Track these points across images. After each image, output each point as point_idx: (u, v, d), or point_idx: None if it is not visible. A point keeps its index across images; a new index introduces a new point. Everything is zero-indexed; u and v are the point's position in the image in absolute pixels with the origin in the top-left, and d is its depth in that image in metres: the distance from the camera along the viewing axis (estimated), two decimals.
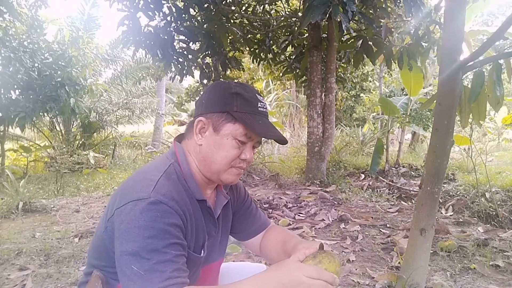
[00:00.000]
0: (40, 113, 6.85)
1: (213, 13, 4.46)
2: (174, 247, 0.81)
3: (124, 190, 0.87)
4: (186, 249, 0.86)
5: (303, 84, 6.34)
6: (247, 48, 5.88)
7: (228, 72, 6.02)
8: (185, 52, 4.88)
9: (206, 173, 0.96)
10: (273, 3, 5.88)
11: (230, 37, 4.93)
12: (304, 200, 4.33)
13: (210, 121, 0.94)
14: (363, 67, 9.05)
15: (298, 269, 0.78)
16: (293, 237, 1.09)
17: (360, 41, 4.66)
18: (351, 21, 3.68)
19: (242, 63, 7.20)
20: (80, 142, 8.64)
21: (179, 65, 4.92)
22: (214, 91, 0.96)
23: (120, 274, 0.80)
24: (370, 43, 4.56)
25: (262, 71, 8.99)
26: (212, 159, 0.93)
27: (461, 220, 3.61)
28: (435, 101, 2.01)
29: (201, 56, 5.23)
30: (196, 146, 0.96)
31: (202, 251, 0.97)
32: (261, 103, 0.96)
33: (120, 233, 0.80)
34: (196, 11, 4.75)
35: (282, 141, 0.97)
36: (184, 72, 5.07)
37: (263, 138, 0.98)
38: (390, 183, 5.29)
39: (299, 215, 3.79)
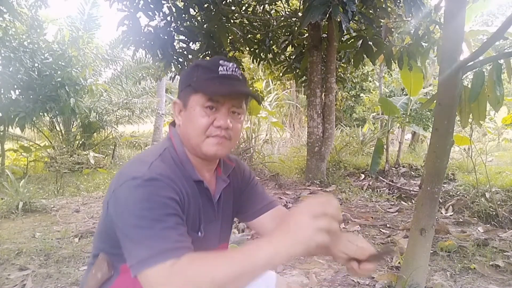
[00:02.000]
0: (40, 113, 6.84)
1: (213, 13, 4.46)
2: (173, 217, 0.81)
3: (121, 173, 0.88)
4: (184, 223, 0.85)
5: (303, 84, 6.34)
6: (247, 48, 5.87)
7: None
8: (185, 52, 4.88)
9: (191, 150, 0.95)
10: (273, 3, 5.87)
11: (230, 37, 4.93)
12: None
13: (181, 100, 0.96)
14: (363, 67, 9.06)
15: (300, 212, 0.72)
16: None
17: (360, 41, 4.66)
18: (351, 21, 3.68)
19: (242, 63, 7.20)
20: (80, 142, 8.64)
21: (179, 65, 4.92)
22: (182, 72, 1.00)
23: (125, 250, 0.79)
24: (370, 43, 4.56)
25: (262, 71, 8.99)
26: (188, 134, 0.94)
27: (461, 220, 3.61)
28: (435, 101, 2.01)
29: (201, 56, 5.23)
30: (178, 126, 0.99)
31: (200, 232, 0.96)
32: (224, 67, 0.93)
33: (120, 211, 0.81)
34: (196, 11, 4.75)
35: (246, 94, 0.94)
36: None
37: (243, 102, 0.96)
38: (390, 183, 5.29)
39: None
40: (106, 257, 0.94)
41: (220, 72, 0.92)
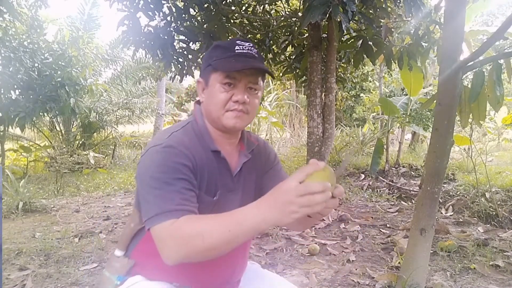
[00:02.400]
0: (40, 113, 6.84)
1: (213, 13, 4.46)
2: (182, 181, 0.91)
3: (149, 142, 1.02)
4: (196, 188, 0.96)
5: (303, 84, 6.33)
6: None
7: None
8: (185, 52, 4.88)
9: (213, 124, 1.04)
10: (273, 3, 5.87)
11: (230, 37, 4.93)
12: None
13: (203, 79, 1.05)
14: (363, 67, 9.05)
15: (287, 190, 0.75)
16: None
17: (360, 41, 4.66)
18: (351, 21, 3.68)
19: None
20: (80, 142, 8.64)
21: (179, 65, 4.92)
22: (205, 54, 1.09)
23: (142, 206, 0.93)
24: (370, 43, 4.55)
25: None
26: (210, 109, 1.02)
27: (461, 220, 3.61)
28: (435, 101, 2.01)
29: (201, 56, 5.23)
30: (202, 102, 1.08)
31: (215, 197, 1.02)
32: (240, 46, 1.00)
33: (140, 173, 0.95)
34: (196, 11, 4.75)
35: (260, 70, 1.01)
36: (184, 72, 5.07)
37: (259, 79, 1.03)
38: (390, 183, 5.28)
39: None
40: (138, 212, 1.06)
41: (236, 51, 0.99)
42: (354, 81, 9.68)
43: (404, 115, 6.02)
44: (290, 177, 0.78)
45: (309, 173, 0.77)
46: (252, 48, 1.03)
